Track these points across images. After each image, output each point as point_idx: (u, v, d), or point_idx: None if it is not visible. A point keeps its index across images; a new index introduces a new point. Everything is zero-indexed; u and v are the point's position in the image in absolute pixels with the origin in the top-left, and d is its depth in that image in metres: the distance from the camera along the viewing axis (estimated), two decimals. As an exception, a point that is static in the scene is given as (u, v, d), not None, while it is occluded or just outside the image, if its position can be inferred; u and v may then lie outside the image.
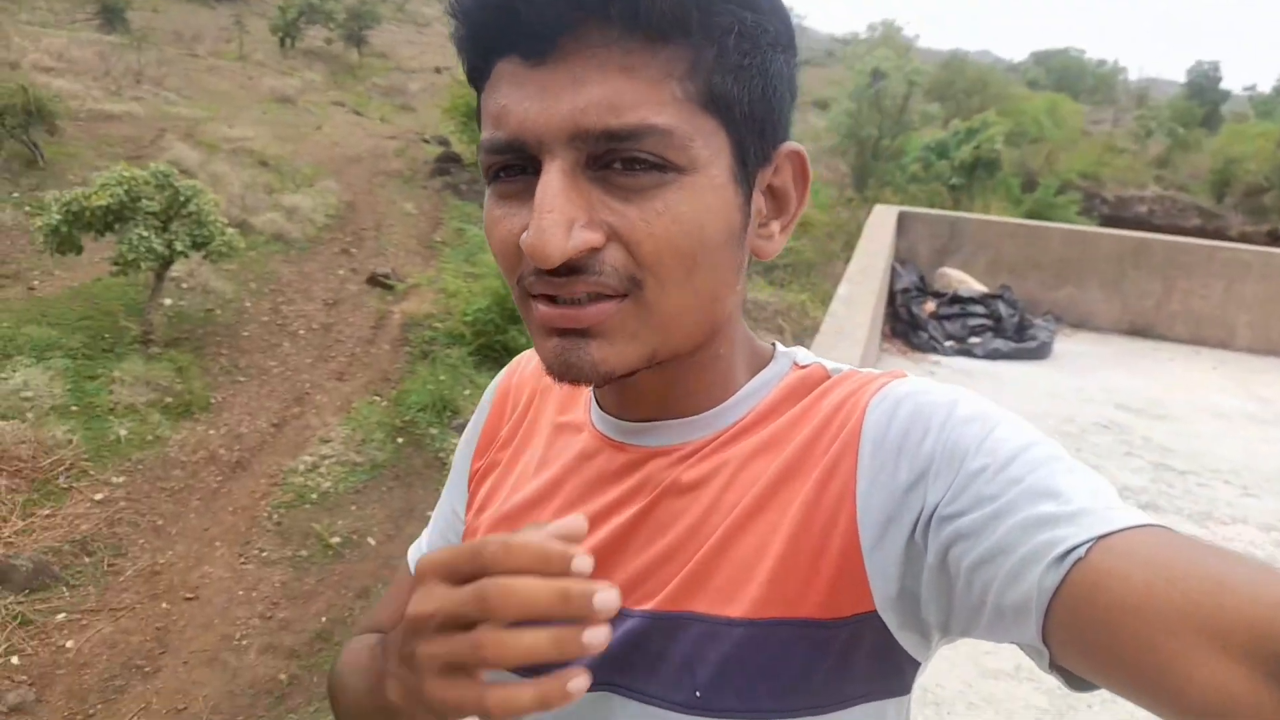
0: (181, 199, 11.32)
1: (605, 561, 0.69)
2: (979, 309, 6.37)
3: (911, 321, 6.32)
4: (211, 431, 10.70)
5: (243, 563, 8.60)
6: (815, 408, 0.68)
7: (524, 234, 0.57)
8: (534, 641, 0.53)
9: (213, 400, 11.31)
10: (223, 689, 7.01)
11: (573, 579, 0.51)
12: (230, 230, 11.99)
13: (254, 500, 9.56)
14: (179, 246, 11.25)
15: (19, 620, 7.36)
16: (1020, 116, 32.85)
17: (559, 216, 0.55)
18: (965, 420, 0.61)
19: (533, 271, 0.59)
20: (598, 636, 0.51)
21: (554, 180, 0.56)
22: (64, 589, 7.84)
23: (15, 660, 7.01)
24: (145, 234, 10.92)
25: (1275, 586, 0.44)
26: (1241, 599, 0.44)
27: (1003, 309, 6.39)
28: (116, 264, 11.10)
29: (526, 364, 0.87)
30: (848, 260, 5.79)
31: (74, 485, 9.14)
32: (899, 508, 0.60)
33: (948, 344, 6.19)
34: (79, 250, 11.22)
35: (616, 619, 0.61)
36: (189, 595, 8.06)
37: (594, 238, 0.57)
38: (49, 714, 6.62)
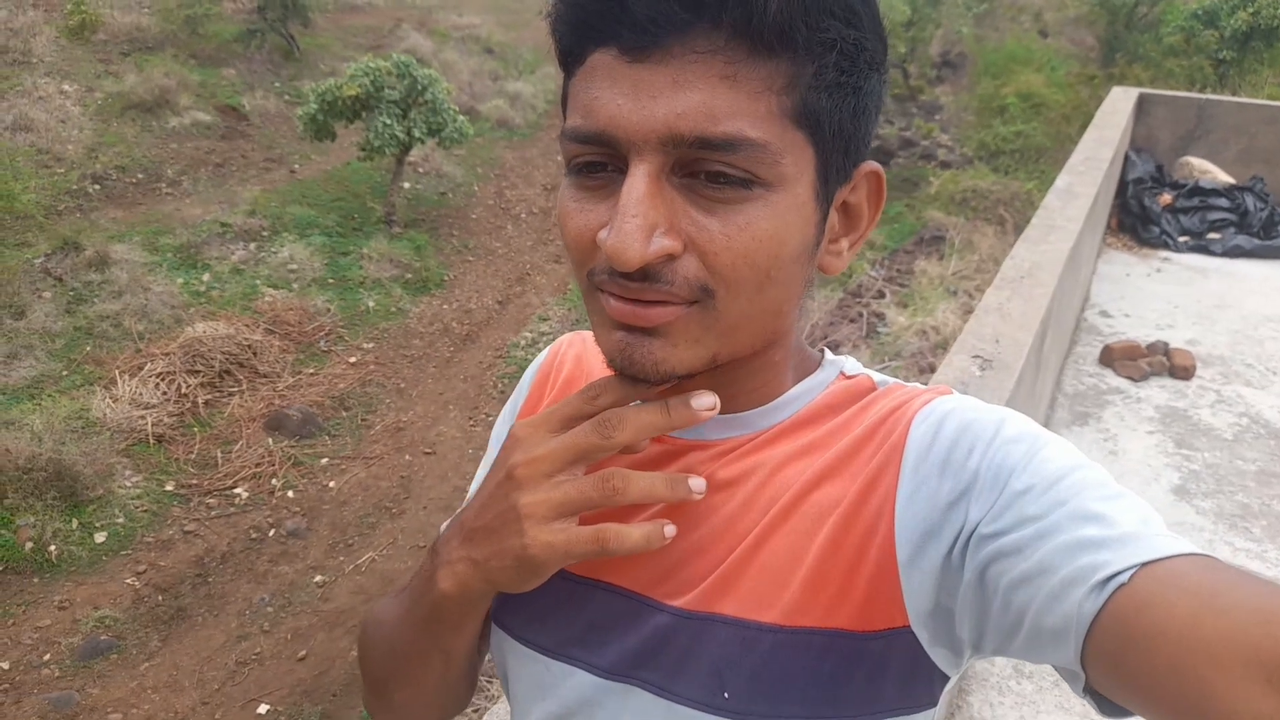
0: (419, 88, 12.08)
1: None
2: (1222, 202, 5.88)
3: (1142, 215, 5.93)
4: (445, 306, 11.68)
5: (471, 425, 9.49)
6: (859, 419, 0.68)
7: (603, 231, 0.57)
8: (651, 480, 0.62)
9: (446, 277, 12.28)
10: (456, 533, 7.92)
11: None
12: (461, 117, 12.71)
13: (481, 370, 10.45)
14: (417, 133, 12.08)
15: (293, 461, 8.57)
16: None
17: (642, 222, 0.55)
18: (1011, 440, 0.61)
19: (606, 269, 0.59)
20: (699, 485, 0.63)
21: (640, 184, 0.56)
22: (326, 438, 9.01)
23: (290, 494, 8.22)
24: (388, 121, 11.80)
25: None
26: None
27: (1250, 203, 5.86)
28: (363, 149, 12.10)
29: (569, 347, 0.88)
30: (1082, 147, 5.48)
31: (332, 349, 10.34)
32: (939, 523, 0.60)
33: (1181, 239, 5.79)
34: (333, 137, 12.31)
35: (649, 614, 0.68)
36: (427, 450, 9.02)
37: (673, 245, 0.57)
38: (316, 540, 7.76)
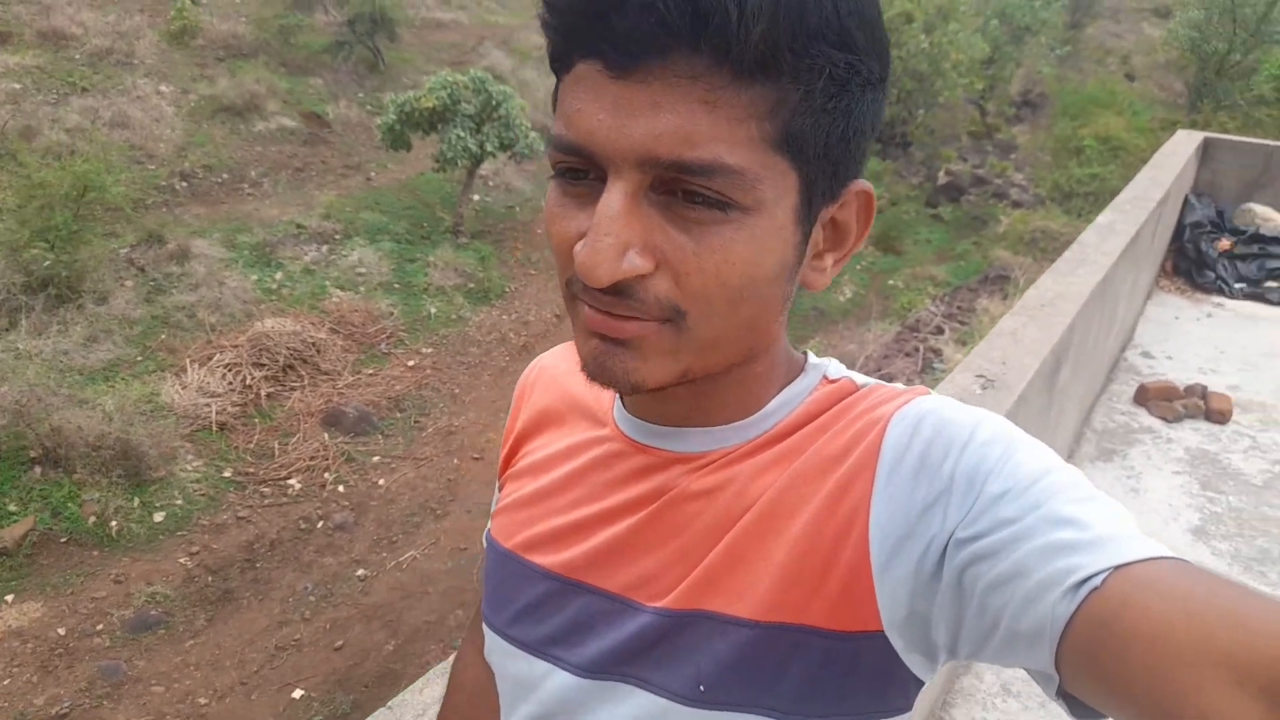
0: (494, 103, 12.42)
1: (617, 556, 0.71)
2: (1283, 251, 5.77)
3: (1198, 259, 5.84)
4: (504, 316, 11.94)
5: (522, 433, 9.66)
6: (837, 420, 0.68)
7: (578, 244, 0.58)
8: None
9: (507, 289, 12.56)
10: (497, 537, 8.06)
11: None
12: (533, 134, 13.01)
13: (535, 381, 10.63)
14: (489, 147, 12.42)
15: (346, 457, 8.85)
16: None
17: (614, 240, 0.55)
18: (986, 442, 0.60)
19: (580, 281, 0.60)
20: None
21: (616, 202, 0.56)
22: (380, 436, 9.28)
23: (341, 489, 8.48)
24: (462, 134, 12.16)
25: None
26: (1262, 636, 0.44)
27: (1313, 252, 5.74)
28: (437, 161, 12.48)
29: (549, 360, 0.89)
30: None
31: (393, 351, 10.65)
32: (914, 527, 0.60)
33: (1237, 285, 5.68)
34: (409, 147, 12.73)
35: (630, 614, 0.69)
36: (476, 456, 9.22)
37: (644, 265, 0.57)
38: (362, 535, 7.99)
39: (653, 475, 0.71)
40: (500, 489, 0.86)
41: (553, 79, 0.63)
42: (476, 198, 14.14)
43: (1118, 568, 0.50)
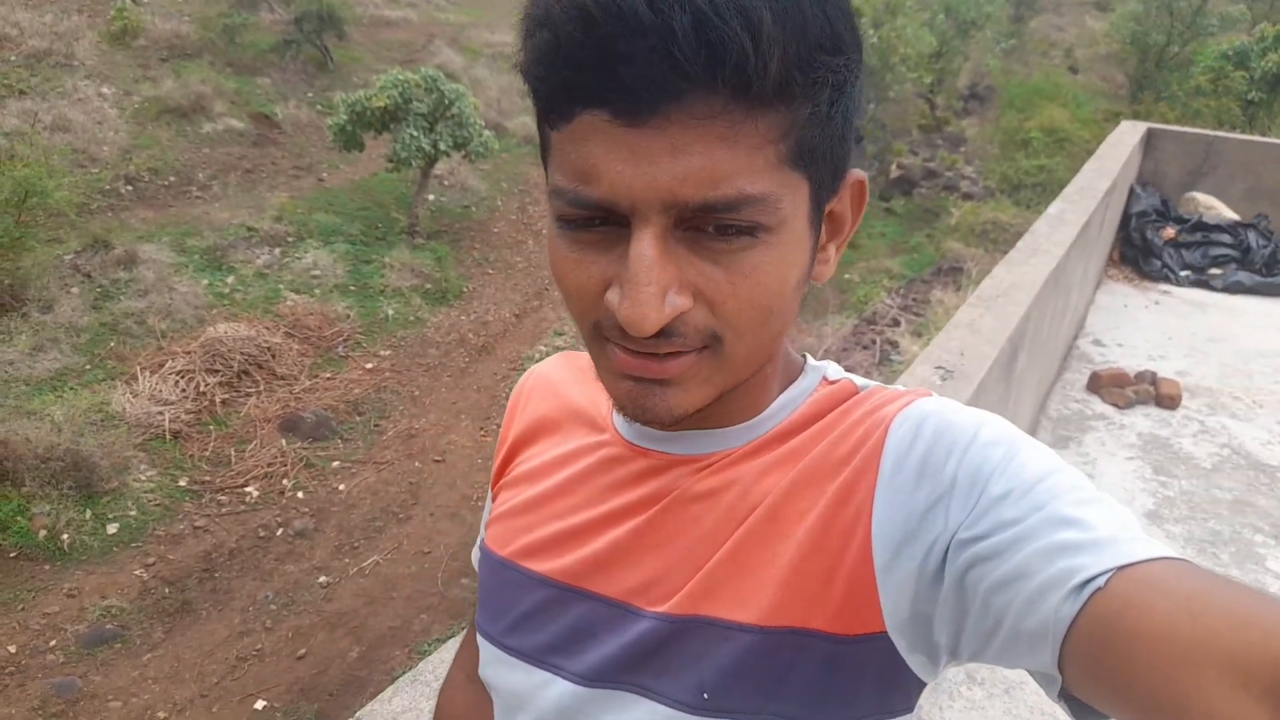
0: (446, 101, 12.32)
1: (619, 560, 0.70)
2: (1225, 238, 5.92)
3: (1145, 248, 5.98)
4: (463, 317, 11.85)
5: (483, 435, 9.61)
6: (839, 422, 0.68)
7: (611, 292, 0.57)
8: None
9: (465, 289, 12.47)
10: (459, 540, 8.01)
11: None
12: (487, 132, 12.94)
13: (495, 381, 10.58)
14: (443, 146, 12.32)
15: (305, 463, 8.73)
16: (1351, 19, 28.15)
17: (655, 289, 0.55)
18: (988, 444, 0.61)
19: (617, 327, 0.59)
20: None
21: (649, 249, 0.55)
22: (339, 441, 9.17)
23: (300, 495, 8.36)
24: (415, 134, 12.05)
25: None
26: (1267, 636, 0.43)
27: (1254, 240, 5.89)
28: (390, 160, 12.34)
29: (546, 369, 0.89)
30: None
31: (350, 354, 10.52)
32: (916, 528, 0.60)
33: (1183, 273, 5.83)
34: (361, 147, 12.58)
35: (632, 620, 0.68)
36: (437, 458, 9.14)
37: (684, 303, 0.57)
38: (324, 541, 7.89)
39: (655, 478, 0.71)
40: (493, 499, 0.85)
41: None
42: (432, 197, 14.02)
43: (1121, 568, 0.50)
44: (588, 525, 0.72)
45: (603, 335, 0.61)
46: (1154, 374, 4.50)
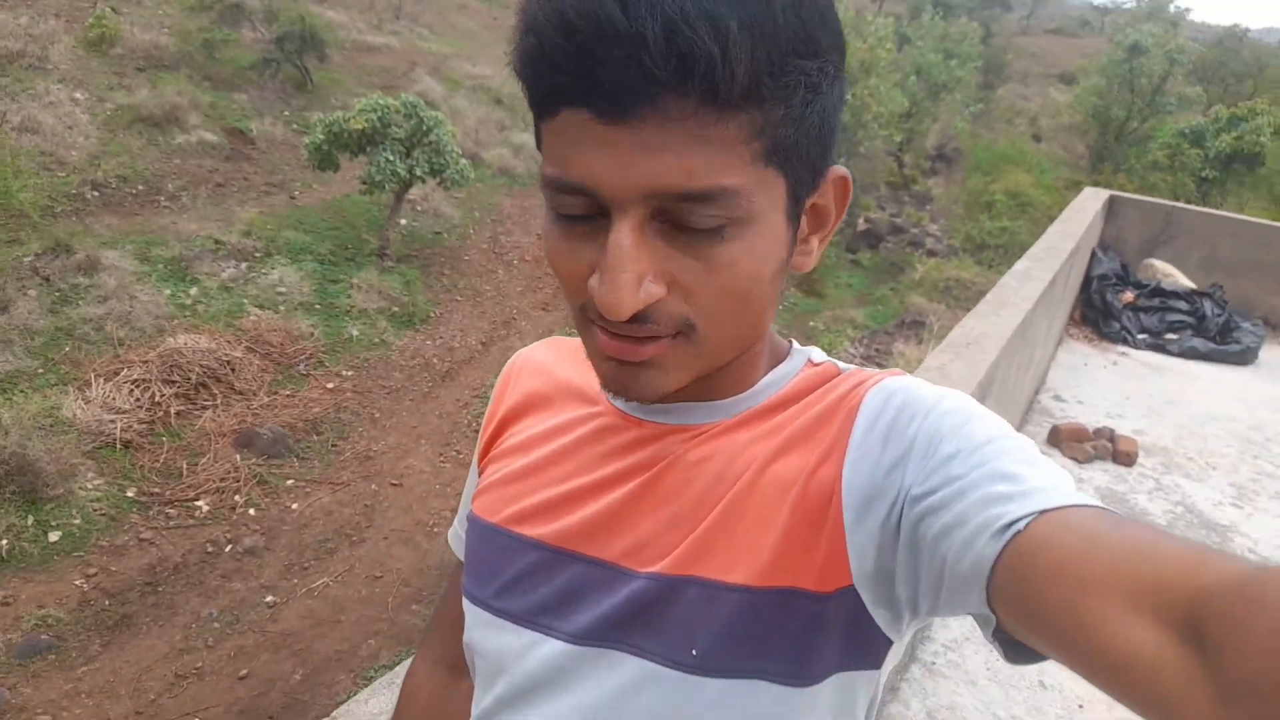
0: (425, 128, 12.36)
1: (612, 523, 0.73)
2: (1182, 305, 6.11)
3: (1105, 310, 6.15)
4: (428, 342, 11.79)
5: (441, 460, 9.52)
6: (821, 399, 0.73)
7: (593, 279, 0.61)
8: None
9: (432, 314, 12.41)
10: (413, 566, 7.90)
11: None
12: (463, 161, 12.97)
13: (457, 408, 10.51)
14: (418, 172, 12.33)
15: (258, 480, 8.57)
16: (1300, 107, 29.40)
17: (630, 276, 0.59)
18: (947, 412, 0.65)
19: (597, 312, 0.63)
20: None
21: (626, 238, 0.59)
22: (295, 459, 9.02)
23: (252, 512, 8.20)
24: (391, 158, 12.05)
25: (1195, 555, 0.46)
26: (1159, 563, 0.46)
27: (1208, 308, 6.09)
28: (365, 183, 12.32)
29: (534, 351, 0.92)
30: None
31: (311, 373, 10.40)
32: (881, 487, 0.64)
33: (1140, 336, 6.00)
34: (336, 167, 12.54)
35: (623, 581, 0.71)
36: (394, 482, 9.04)
37: (659, 291, 0.60)
38: (273, 560, 7.72)
39: (648, 445, 0.74)
40: (480, 473, 0.87)
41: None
42: (404, 222, 14.00)
43: (1042, 512, 0.53)
44: (581, 491, 0.75)
45: (588, 318, 0.65)
46: (1112, 431, 4.61)
